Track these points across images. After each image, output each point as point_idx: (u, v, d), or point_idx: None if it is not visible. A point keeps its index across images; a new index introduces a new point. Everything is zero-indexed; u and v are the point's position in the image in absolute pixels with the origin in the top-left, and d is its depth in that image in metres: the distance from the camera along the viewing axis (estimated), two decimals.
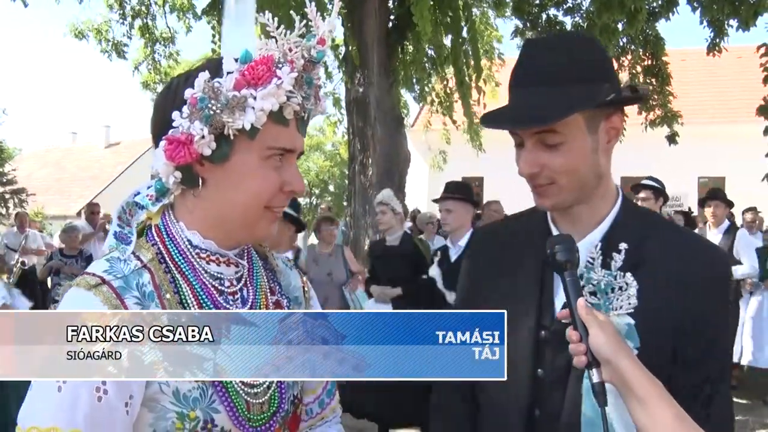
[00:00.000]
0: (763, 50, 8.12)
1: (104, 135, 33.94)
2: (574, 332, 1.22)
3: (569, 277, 1.26)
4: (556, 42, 1.51)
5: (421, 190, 20.98)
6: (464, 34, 9.24)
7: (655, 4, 8.66)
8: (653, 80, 10.08)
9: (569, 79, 1.34)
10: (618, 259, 1.34)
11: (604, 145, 1.41)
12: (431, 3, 7.27)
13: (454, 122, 12.51)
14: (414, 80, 10.13)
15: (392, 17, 8.93)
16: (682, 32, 17.71)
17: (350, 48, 7.77)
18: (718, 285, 1.41)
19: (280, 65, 1.18)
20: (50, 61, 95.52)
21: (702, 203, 6.84)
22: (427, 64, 10.07)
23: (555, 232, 1.50)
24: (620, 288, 1.32)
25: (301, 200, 33.65)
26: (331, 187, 32.92)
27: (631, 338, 1.27)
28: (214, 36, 9.30)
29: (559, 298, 1.44)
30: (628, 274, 1.32)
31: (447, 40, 9.28)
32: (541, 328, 1.44)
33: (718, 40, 8.49)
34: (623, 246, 1.35)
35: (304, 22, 1.19)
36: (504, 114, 1.41)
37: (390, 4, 8.85)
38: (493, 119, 1.42)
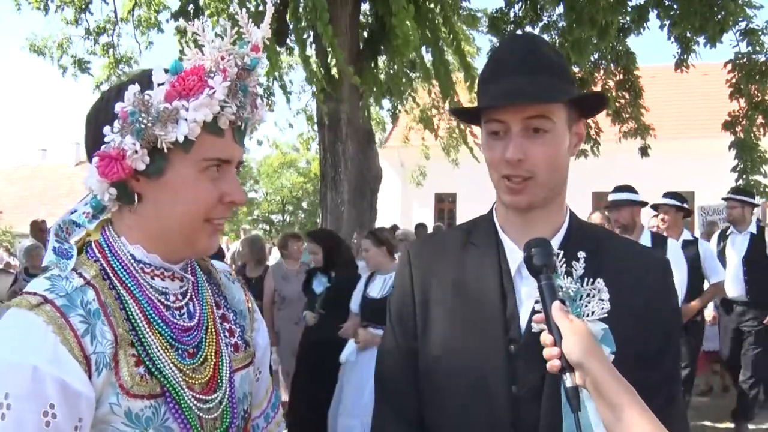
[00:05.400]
0: (729, 66, 8.26)
1: (74, 152, 33.51)
2: (548, 336, 1.18)
3: (545, 280, 1.23)
4: (532, 39, 1.50)
5: (394, 207, 20.99)
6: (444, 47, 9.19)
7: (623, 21, 8.74)
8: (626, 94, 10.19)
9: (552, 72, 1.36)
10: (579, 267, 1.32)
11: (571, 149, 1.42)
12: (411, 14, 7.22)
13: (436, 134, 12.41)
14: (389, 96, 10.07)
15: (365, 33, 8.92)
16: (650, 49, 18.04)
17: (329, 61, 7.69)
18: (668, 284, 1.48)
19: (212, 74, 1.14)
20: (19, 77, 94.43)
21: None
22: (404, 79, 10.01)
23: (506, 240, 1.47)
24: (588, 295, 1.30)
25: (275, 217, 33.51)
26: (305, 204, 32.76)
27: (608, 343, 1.24)
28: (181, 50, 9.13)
29: (525, 309, 1.40)
30: (599, 280, 1.29)
31: (427, 53, 9.19)
32: (510, 342, 1.39)
33: (685, 56, 8.59)
34: (581, 254, 1.33)
35: (236, 29, 1.15)
36: (502, 94, 1.35)
37: (362, 19, 8.84)
38: (492, 98, 1.36)
